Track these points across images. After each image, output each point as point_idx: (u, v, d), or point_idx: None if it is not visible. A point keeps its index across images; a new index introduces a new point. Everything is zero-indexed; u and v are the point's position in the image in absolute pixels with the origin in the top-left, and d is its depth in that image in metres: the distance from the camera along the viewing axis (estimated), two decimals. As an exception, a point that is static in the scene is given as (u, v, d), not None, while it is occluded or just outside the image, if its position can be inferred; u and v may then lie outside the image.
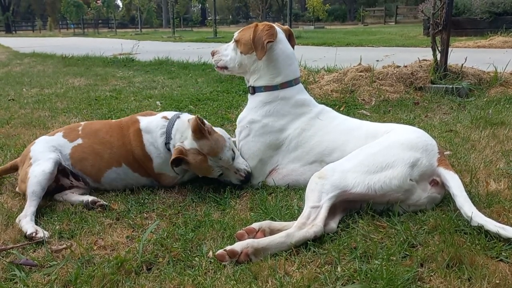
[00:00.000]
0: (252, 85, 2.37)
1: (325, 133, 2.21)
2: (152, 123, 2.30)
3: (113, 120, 2.52)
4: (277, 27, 2.35)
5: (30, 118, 4.02)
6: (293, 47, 2.42)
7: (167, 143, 2.24)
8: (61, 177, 2.25)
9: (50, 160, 2.16)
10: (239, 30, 2.43)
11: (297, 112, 2.28)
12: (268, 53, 2.27)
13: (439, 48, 4.50)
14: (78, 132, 2.35)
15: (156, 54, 9.18)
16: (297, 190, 2.18)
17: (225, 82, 5.66)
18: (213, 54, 2.49)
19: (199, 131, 2.10)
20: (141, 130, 2.28)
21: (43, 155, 2.20)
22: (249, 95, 2.41)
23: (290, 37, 2.42)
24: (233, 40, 2.41)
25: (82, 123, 2.47)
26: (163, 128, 2.26)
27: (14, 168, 2.35)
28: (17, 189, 2.27)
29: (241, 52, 2.35)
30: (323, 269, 1.51)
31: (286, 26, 2.46)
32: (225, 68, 2.45)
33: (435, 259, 1.52)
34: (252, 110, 2.33)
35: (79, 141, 2.31)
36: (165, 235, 1.78)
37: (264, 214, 1.93)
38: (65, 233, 1.85)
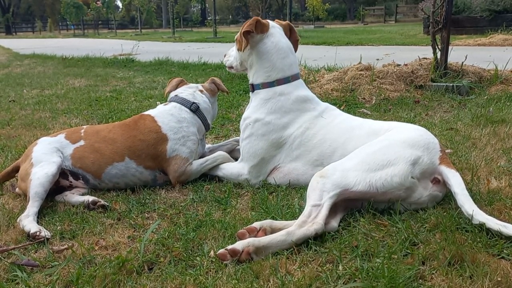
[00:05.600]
0: (252, 83, 2.40)
1: (328, 131, 2.21)
2: (159, 109, 2.47)
3: (116, 122, 2.58)
4: (275, 22, 2.40)
5: (30, 119, 4.03)
6: (296, 42, 2.44)
7: (192, 104, 2.46)
8: (60, 179, 2.25)
9: (53, 164, 2.18)
10: None
11: (300, 109, 2.28)
12: (258, 46, 2.32)
13: (439, 47, 4.50)
14: (80, 134, 2.37)
15: (156, 55, 9.19)
16: (298, 189, 2.18)
17: (225, 82, 5.63)
18: (225, 56, 2.65)
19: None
20: (154, 116, 2.41)
21: (46, 157, 2.21)
22: (251, 93, 2.44)
23: (292, 32, 2.44)
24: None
25: (84, 126, 2.49)
26: (174, 103, 2.47)
27: (17, 170, 2.34)
28: (17, 190, 2.27)
29: (238, 50, 2.45)
30: (325, 267, 1.51)
31: (286, 22, 2.47)
32: (232, 67, 2.59)
33: (437, 257, 1.51)
34: (255, 108, 2.34)
35: (81, 142, 2.33)
36: (166, 235, 1.78)
37: (265, 214, 1.93)
38: (66, 234, 1.85)
